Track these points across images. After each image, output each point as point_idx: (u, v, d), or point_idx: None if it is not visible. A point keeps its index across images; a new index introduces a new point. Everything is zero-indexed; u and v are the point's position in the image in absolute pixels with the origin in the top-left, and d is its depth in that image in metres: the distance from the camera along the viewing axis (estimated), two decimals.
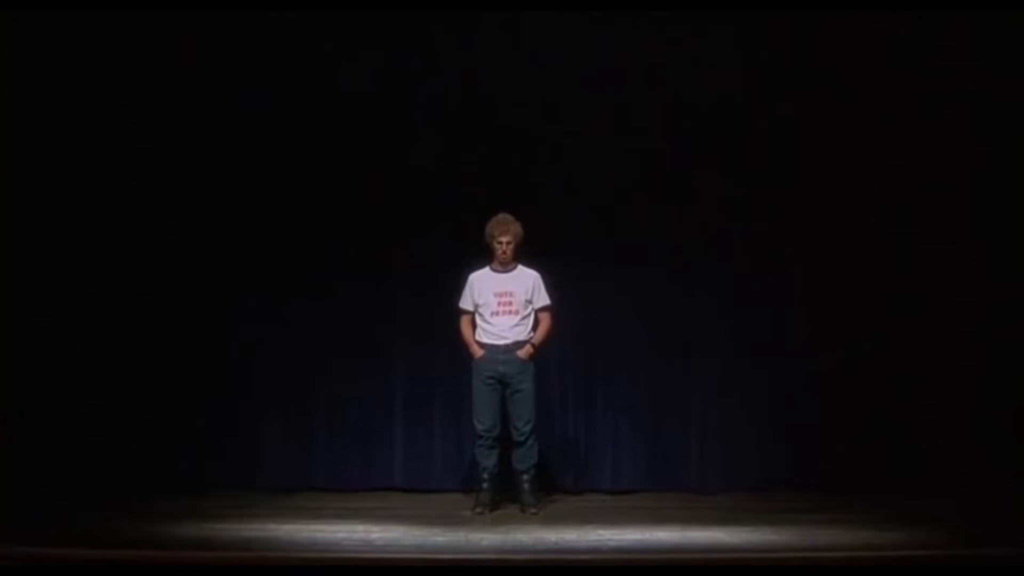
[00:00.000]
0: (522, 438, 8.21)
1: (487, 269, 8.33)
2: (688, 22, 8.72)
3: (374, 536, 7.49)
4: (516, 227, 8.23)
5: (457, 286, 8.35)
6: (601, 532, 7.63)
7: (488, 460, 8.24)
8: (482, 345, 8.24)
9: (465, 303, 8.33)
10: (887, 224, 8.87)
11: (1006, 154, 8.65)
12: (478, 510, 8.19)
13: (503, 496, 8.34)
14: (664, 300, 9.07)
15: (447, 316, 8.49)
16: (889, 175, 8.83)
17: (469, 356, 8.27)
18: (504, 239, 8.21)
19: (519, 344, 8.21)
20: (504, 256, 8.23)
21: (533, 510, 8.19)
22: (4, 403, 8.18)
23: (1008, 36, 8.45)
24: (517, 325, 8.22)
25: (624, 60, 8.93)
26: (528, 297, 8.25)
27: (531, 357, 8.22)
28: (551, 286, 8.30)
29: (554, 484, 8.92)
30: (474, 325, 8.31)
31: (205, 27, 8.68)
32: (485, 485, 8.25)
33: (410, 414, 9.10)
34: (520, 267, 8.31)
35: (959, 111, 8.70)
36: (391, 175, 9.01)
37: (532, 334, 8.25)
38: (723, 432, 9.06)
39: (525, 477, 8.26)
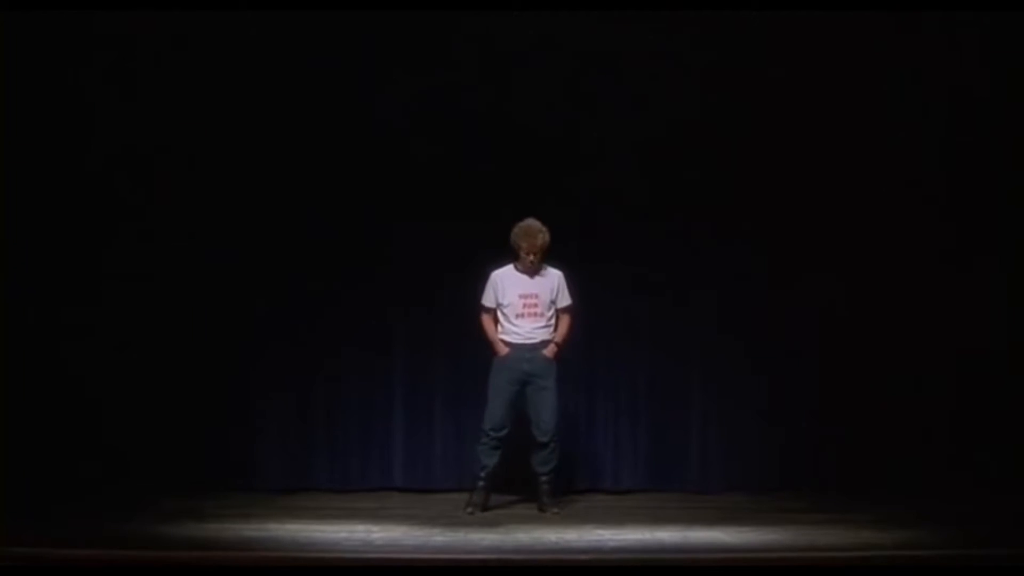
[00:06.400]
0: (545, 438, 8.12)
1: (511, 268, 8.22)
2: (697, 23, 8.72)
3: (374, 536, 7.48)
4: (544, 236, 8.05)
5: (458, 286, 8.34)
6: (601, 532, 7.63)
7: (490, 459, 8.18)
8: (507, 344, 8.18)
9: (488, 300, 8.24)
10: (889, 226, 8.86)
11: (1008, 155, 8.66)
12: (468, 510, 8.15)
13: (498, 499, 8.33)
14: (665, 300, 9.05)
15: (447, 316, 8.46)
16: (891, 178, 8.83)
17: (493, 353, 8.22)
18: (532, 250, 8.06)
19: (545, 343, 8.16)
20: (532, 266, 8.12)
21: (555, 510, 8.15)
22: (4, 403, 8.18)
23: (1010, 36, 8.48)
24: (543, 326, 8.18)
25: (628, 61, 8.94)
26: (552, 298, 8.18)
27: (556, 356, 8.20)
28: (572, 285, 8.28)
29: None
30: (495, 322, 8.26)
31: (206, 27, 8.68)
32: (481, 483, 8.20)
33: (410, 414, 9.08)
34: (545, 267, 8.22)
35: (959, 111, 8.73)
36: (392, 176, 9.00)
37: (554, 333, 8.22)
38: (724, 432, 9.05)
39: (545, 479, 8.21)
